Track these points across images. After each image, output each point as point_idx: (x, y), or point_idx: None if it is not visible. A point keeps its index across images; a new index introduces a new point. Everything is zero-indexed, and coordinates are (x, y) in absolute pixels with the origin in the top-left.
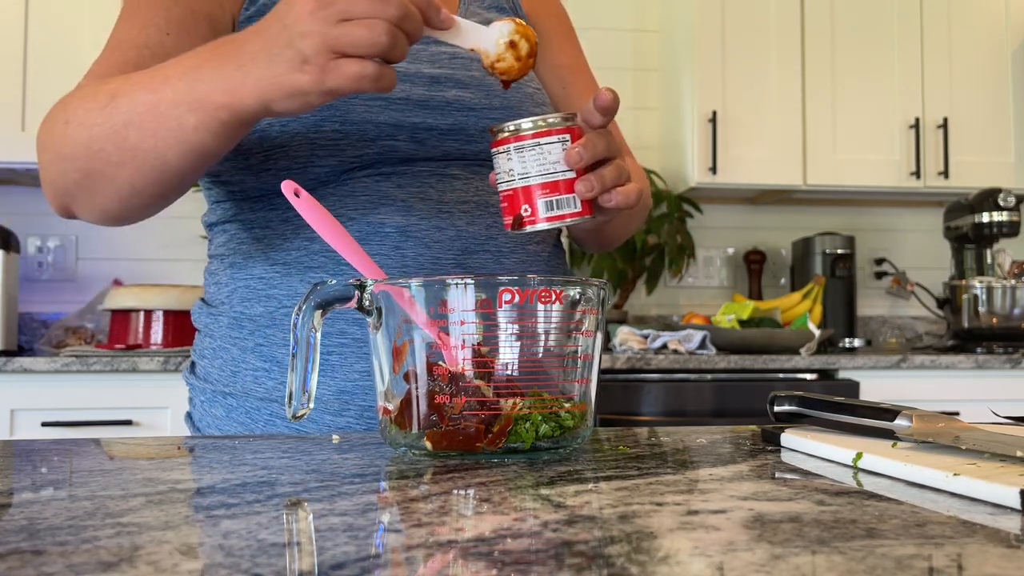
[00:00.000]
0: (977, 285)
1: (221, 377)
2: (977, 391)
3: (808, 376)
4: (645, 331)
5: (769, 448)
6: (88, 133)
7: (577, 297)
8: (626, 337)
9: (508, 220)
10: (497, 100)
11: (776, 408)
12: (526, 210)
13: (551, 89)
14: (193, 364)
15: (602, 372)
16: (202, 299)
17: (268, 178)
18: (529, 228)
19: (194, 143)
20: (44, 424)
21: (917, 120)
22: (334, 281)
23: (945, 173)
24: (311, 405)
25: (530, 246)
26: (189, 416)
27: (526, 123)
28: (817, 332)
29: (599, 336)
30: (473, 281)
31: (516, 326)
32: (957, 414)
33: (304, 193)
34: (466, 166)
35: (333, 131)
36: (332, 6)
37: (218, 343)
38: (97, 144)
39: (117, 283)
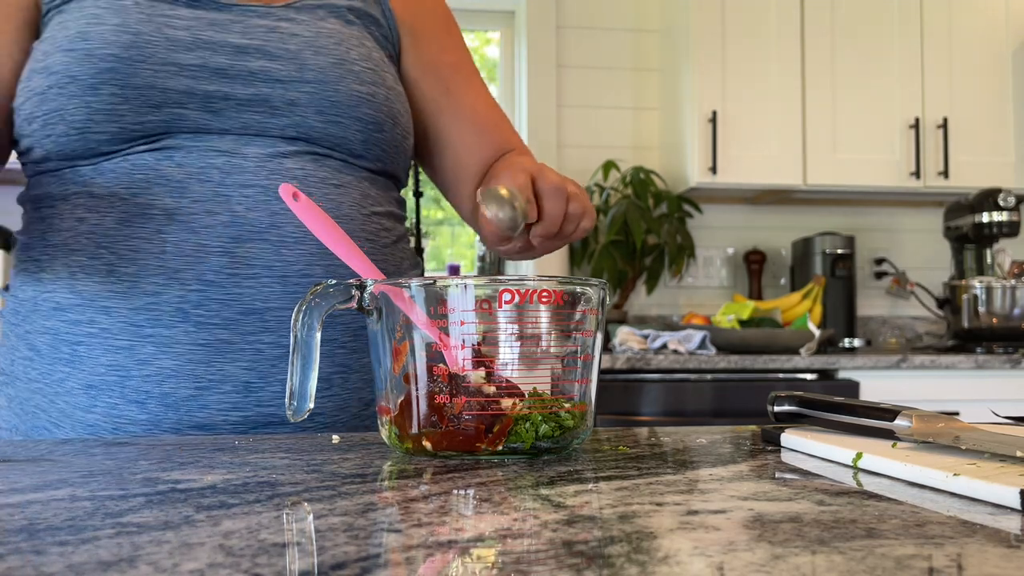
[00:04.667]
0: (977, 285)
1: (3, 364)
2: (977, 391)
3: (808, 376)
4: (645, 331)
5: (769, 448)
6: None
7: (577, 297)
8: (626, 337)
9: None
10: (311, 74)
11: (776, 408)
12: None
13: (430, 91)
14: None
15: (602, 372)
16: (6, 284)
17: (49, 145)
18: None
19: None
20: None
21: (917, 120)
22: (333, 281)
23: (945, 173)
24: (311, 405)
25: None
26: None
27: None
28: (817, 332)
29: (599, 336)
30: (473, 281)
31: (516, 326)
32: (957, 414)
33: (303, 197)
34: (267, 145)
35: (111, 94)
36: None
37: (4, 329)
38: None
39: None
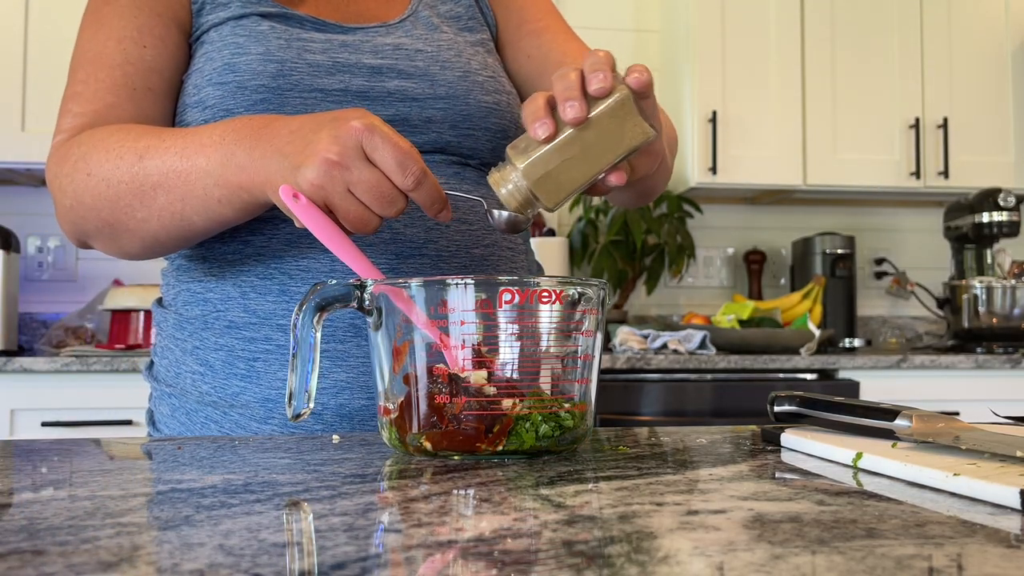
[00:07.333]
0: (977, 285)
1: (167, 376)
2: (977, 391)
3: (808, 376)
4: (645, 331)
5: (769, 448)
6: (114, 190)
7: (577, 297)
8: (626, 337)
9: None
10: (442, 89)
11: (776, 408)
12: None
13: (527, 62)
14: (152, 362)
15: (602, 372)
16: (159, 299)
17: None
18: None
19: (217, 213)
20: (44, 424)
21: (917, 120)
22: (334, 281)
23: (945, 173)
24: (311, 405)
25: (475, 249)
26: (149, 411)
27: None
28: (817, 332)
29: (599, 336)
30: (473, 281)
31: (516, 326)
32: (957, 414)
33: (303, 197)
34: None
35: None
36: (345, 171)
37: (166, 343)
38: (124, 200)
39: (117, 283)
